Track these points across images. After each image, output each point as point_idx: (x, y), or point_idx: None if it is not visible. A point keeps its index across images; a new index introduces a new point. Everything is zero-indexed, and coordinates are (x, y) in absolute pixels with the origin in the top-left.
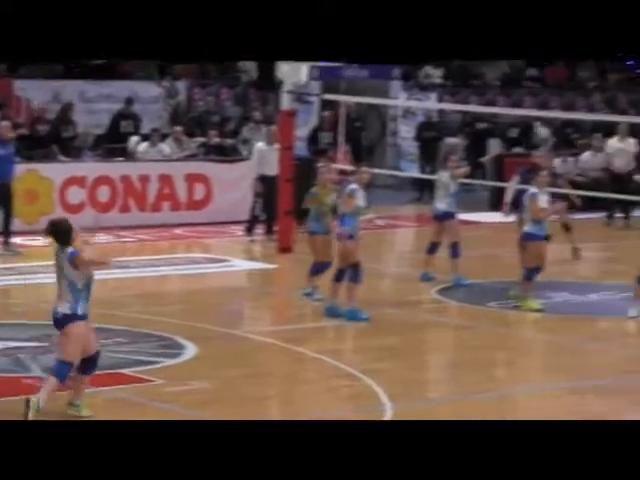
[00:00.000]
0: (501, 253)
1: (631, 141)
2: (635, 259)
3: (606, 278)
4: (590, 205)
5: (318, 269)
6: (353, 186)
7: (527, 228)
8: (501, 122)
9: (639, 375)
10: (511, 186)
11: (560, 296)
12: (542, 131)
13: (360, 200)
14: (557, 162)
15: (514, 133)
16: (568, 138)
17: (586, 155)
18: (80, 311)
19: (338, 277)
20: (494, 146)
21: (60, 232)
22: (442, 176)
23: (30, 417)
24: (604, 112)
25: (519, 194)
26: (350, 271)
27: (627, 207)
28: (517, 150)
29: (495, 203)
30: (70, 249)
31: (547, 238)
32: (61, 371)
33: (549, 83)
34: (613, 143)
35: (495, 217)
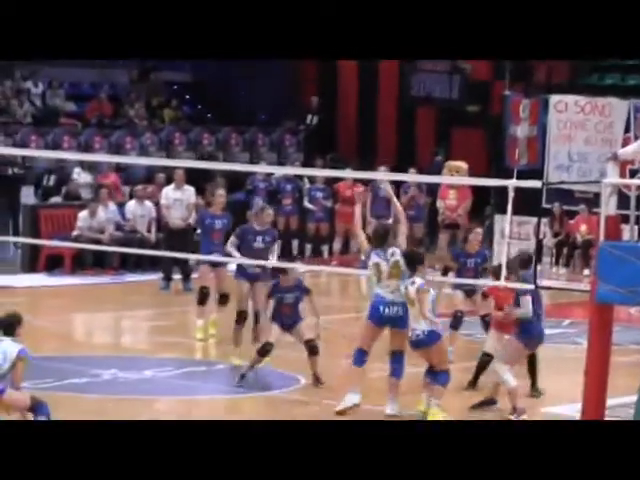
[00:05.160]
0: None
1: (189, 189)
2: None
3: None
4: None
5: None
6: None
7: None
8: (35, 167)
9: None
10: None
11: (109, 373)
12: (83, 177)
13: None
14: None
15: (51, 181)
16: None
17: (132, 204)
18: None
19: None
20: (27, 196)
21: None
22: None
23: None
24: (158, 155)
25: None
26: None
27: (187, 267)
28: (55, 200)
29: (31, 264)
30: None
31: None
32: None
33: (90, 120)
34: (168, 192)
35: (33, 280)
